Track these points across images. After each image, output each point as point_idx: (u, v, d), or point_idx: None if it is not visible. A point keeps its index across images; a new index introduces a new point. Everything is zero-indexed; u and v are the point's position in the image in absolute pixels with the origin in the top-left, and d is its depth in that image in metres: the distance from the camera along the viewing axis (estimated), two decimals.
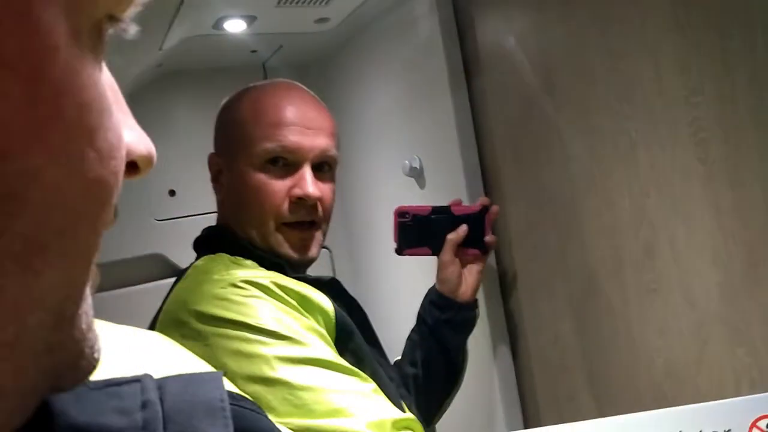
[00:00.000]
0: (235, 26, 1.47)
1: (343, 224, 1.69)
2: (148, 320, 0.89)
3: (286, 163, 0.93)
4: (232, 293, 0.81)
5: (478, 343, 1.22)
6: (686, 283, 0.87)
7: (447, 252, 1.09)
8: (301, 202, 0.92)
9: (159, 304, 0.90)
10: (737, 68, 0.77)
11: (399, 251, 1.12)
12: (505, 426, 1.23)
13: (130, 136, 0.27)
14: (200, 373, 0.34)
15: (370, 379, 0.81)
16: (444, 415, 1.17)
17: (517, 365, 1.24)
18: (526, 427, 1.22)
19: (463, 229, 1.09)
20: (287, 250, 0.93)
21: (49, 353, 0.24)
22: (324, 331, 0.83)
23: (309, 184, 0.92)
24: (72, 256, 0.24)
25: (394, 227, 1.12)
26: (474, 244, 1.11)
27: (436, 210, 1.12)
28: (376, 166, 1.56)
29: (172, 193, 1.66)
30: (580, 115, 1.01)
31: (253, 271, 0.87)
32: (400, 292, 1.49)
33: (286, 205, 0.91)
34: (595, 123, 0.98)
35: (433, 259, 1.12)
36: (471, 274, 1.11)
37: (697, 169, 0.83)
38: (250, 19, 1.44)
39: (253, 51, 1.67)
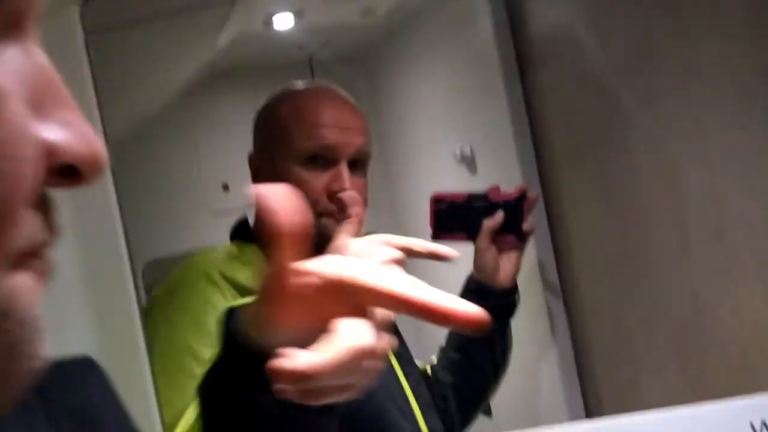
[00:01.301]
0: (284, 21, 1.48)
1: (392, 211, 1.70)
2: None
3: (324, 160, 0.97)
4: (176, 275, 0.94)
5: (537, 330, 1.20)
6: (762, 265, 0.84)
7: (483, 238, 1.09)
8: (337, 196, 0.95)
9: None
10: None
11: (434, 237, 1.12)
12: (566, 415, 1.21)
13: (61, 133, 0.21)
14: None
15: None
16: (505, 404, 1.16)
17: (578, 353, 1.22)
18: (587, 416, 1.20)
19: (500, 215, 1.08)
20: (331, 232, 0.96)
21: None
22: None
23: (345, 180, 0.97)
24: None
25: (430, 213, 1.12)
26: (511, 231, 1.09)
27: (473, 196, 1.10)
28: (427, 154, 1.56)
29: (225, 187, 1.69)
30: (646, 99, 0.98)
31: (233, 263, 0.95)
32: (447, 278, 1.49)
33: (324, 199, 0.96)
34: (663, 107, 0.95)
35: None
36: (509, 260, 1.10)
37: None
38: (299, 14, 1.45)
39: (301, 47, 1.68)
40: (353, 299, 0.37)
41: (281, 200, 0.36)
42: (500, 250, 1.09)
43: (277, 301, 0.39)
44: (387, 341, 0.38)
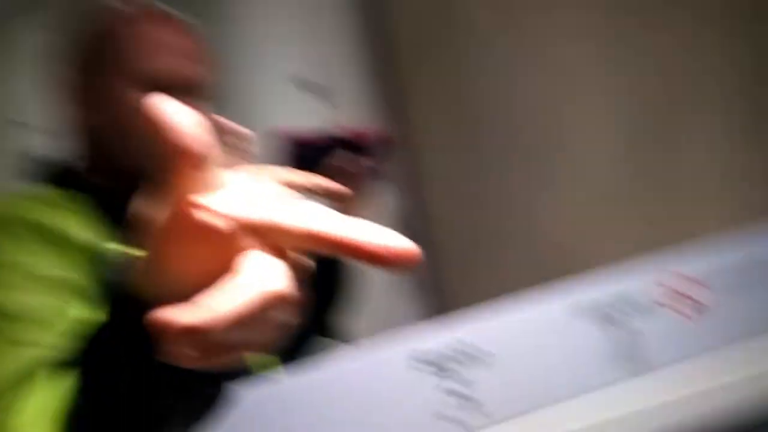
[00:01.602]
0: None
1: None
2: None
3: (170, 88, 0.90)
4: None
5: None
6: (585, 159, 0.91)
7: (334, 178, 1.06)
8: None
9: None
10: None
11: None
12: (418, 316, 1.27)
13: None
14: None
15: None
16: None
17: (430, 257, 1.27)
18: (441, 314, 1.27)
19: (350, 154, 1.06)
20: None
21: None
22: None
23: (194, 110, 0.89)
24: None
25: (280, 152, 1.07)
26: (363, 170, 1.08)
27: (323, 136, 1.07)
28: (267, 82, 1.47)
29: (20, 124, 1.47)
30: (498, 12, 0.98)
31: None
32: None
33: None
34: (513, 18, 0.96)
35: None
36: (360, 199, 1.09)
37: (602, 56, 0.84)
38: None
39: None
40: (269, 242, 0.29)
41: (188, 119, 0.28)
42: (353, 189, 1.07)
43: (174, 241, 0.30)
44: (302, 291, 0.30)
